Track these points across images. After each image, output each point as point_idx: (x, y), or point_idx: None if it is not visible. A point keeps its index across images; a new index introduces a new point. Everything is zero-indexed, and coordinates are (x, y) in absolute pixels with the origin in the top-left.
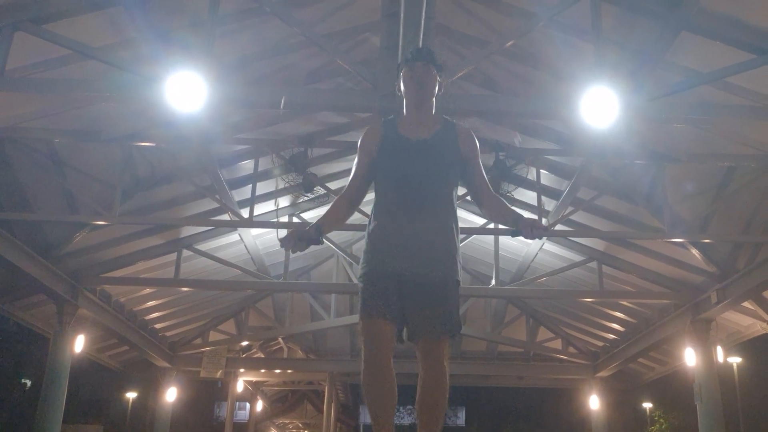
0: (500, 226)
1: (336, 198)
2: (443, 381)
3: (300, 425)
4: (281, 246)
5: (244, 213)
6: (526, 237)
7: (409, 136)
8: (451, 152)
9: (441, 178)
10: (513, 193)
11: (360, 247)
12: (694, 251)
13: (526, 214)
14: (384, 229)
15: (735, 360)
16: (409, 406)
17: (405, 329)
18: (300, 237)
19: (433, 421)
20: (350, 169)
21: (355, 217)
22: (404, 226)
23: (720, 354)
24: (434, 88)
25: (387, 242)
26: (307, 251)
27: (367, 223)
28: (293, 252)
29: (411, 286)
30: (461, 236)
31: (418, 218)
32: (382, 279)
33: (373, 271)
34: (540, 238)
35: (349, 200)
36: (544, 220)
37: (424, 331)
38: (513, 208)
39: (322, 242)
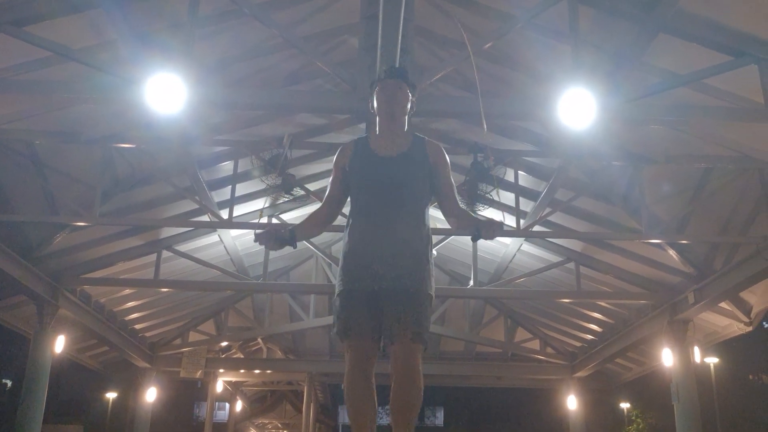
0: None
1: (313, 211)
2: (416, 384)
3: (279, 425)
4: (255, 240)
5: (224, 214)
6: (485, 238)
7: (379, 153)
8: (421, 166)
9: (410, 192)
10: (492, 194)
11: (338, 248)
12: (672, 252)
13: (502, 216)
14: (355, 245)
15: (712, 360)
16: (387, 407)
17: (382, 340)
18: (275, 237)
19: (406, 424)
20: (330, 170)
21: (337, 220)
22: (374, 240)
23: (697, 354)
24: (406, 106)
25: (359, 258)
26: (285, 252)
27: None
28: (268, 249)
29: (384, 298)
30: (441, 237)
31: (388, 232)
32: (356, 297)
33: (347, 291)
34: (497, 237)
35: (324, 215)
36: (508, 217)
37: (396, 336)
38: (475, 215)
39: (296, 246)
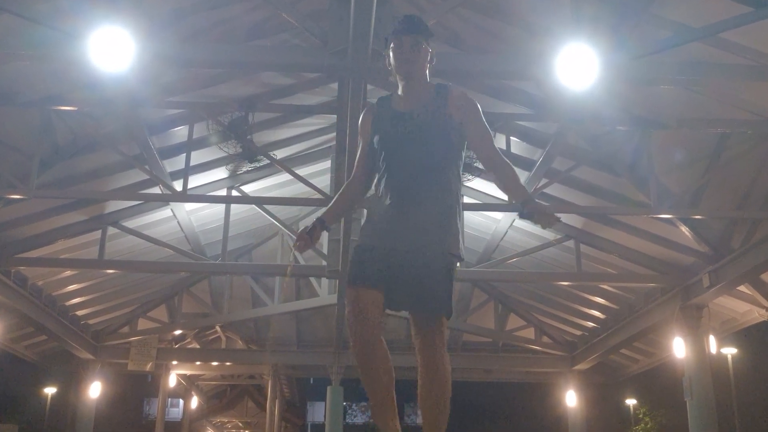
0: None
1: (344, 186)
2: (441, 373)
3: (240, 424)
4: (294, 249)
5: (177, 186)
6: (541, 225)
7: (401, 111)
8: (446, 119)
9: (435, 148)
10: (478, 163)
11: (306, 224)
12: (684, 229)
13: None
14: (379, 207)
15: (729, 351)
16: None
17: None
18: (311, 238)
19: (435, 417)
20: (299, 135)
21: (302, 191)
22: (396, 204)
23: (713, 344)
24: (425, 61)
25: (381, 220)
26: (246, 229)
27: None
28: (304, 249)
29: (401, 262)
30: None
31: (411, 195)
32: (372, 251)
33: (364, 244)
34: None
35: (357, 184)
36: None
37: (413, 309)
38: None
39: (329, 229)
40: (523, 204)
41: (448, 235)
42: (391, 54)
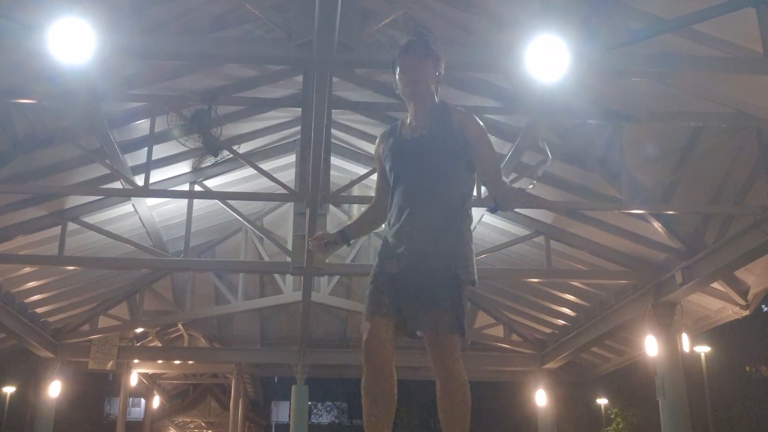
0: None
1: (367, 207)
2: (454, 383)
3: (203, 424)
4: (309, 247)
5: (139, 180)
6: (503, 209)
7: (407, 135)
8: (445, 142)
9: (434, 173)
10: None
11: (271, 220)
12: (656, 224)
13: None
14: (389, 233)
15: (703, 349)
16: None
17: (404, 325)
18: (326, 243)
19: (454, 425)
20: (263, 129)
21: (266, 186)
22: (403, 228)
23: (686, 342)
24: (429, 83)
25: (390, 243)
26: (209, 225)
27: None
28: (317, 252)
29: (411, 286)
30: None
31: (413, 218)
32: (384, 281)
33: (377, 275)
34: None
35: (375, 209)
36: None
37: (424, 328)
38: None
39: (350, 244)
40: (494, 200)
41: (457, 258)
42: (397, 77)
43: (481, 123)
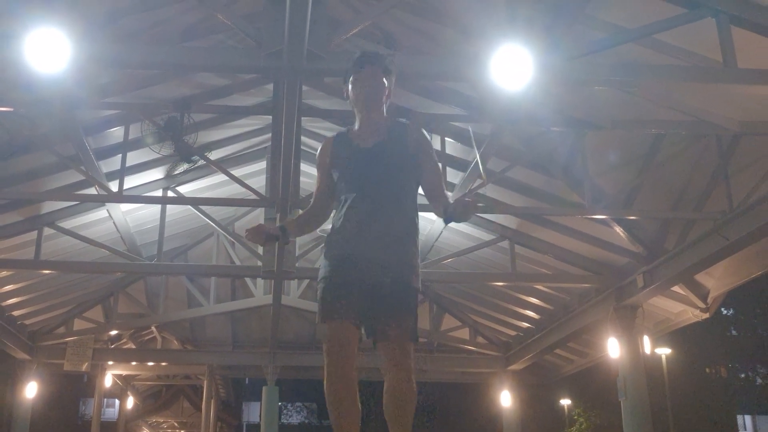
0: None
1: (306, 209)
2: (411, 385)
3: (176, 424)
4: (245, 236)
5: (113, 186)
6: (456, 220)
7: (360, 145)
8: (402, 155)
9: (393, 183)
10: None
11: (242, 225)
12: (618, 229)
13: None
14: (341, 236)
15: (664, 351)
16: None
17: (364, 331)
18: (264, 233)
19: (403, 425)
20: (234, 136)
21: (237, 192)
22: (359, 234)
23: (647, 344)
24: (383, 94)
25: (344, 250)
26: (182, 230)
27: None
28: (256, 243)
29: (369, 292)
30: None
31: (372, 226)
32: (341, 283)
33: (331, 276)
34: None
35: (312, 215)
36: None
37: (390, 335)
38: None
39: (288, 242)
40: (445, 211)
41: (415, 267)
42: (350, 87)
43: (429, 138)
